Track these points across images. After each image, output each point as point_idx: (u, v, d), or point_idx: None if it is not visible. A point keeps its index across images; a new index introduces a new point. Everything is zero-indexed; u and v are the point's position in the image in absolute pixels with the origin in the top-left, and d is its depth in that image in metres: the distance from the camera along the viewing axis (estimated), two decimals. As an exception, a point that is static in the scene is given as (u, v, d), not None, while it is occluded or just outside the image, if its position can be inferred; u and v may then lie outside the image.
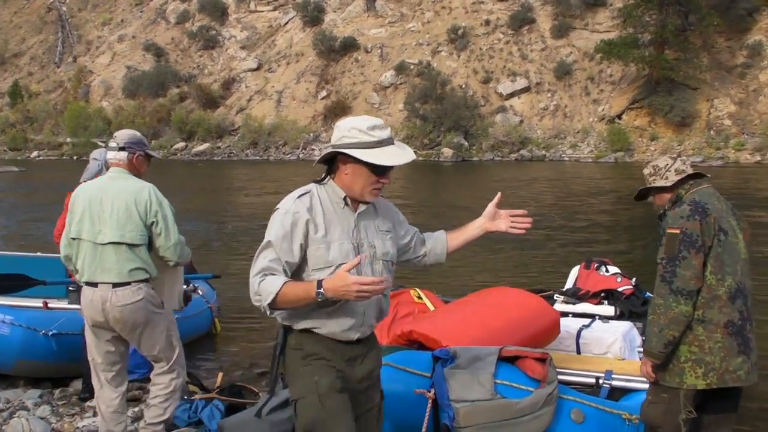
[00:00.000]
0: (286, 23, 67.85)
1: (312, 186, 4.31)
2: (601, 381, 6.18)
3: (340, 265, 4.08)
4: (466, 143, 51.70)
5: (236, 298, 12.02)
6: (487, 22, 59.92)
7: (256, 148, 57.98)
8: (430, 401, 5.44)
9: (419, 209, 25.61)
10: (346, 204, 4.27)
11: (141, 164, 6.13)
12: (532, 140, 52.40)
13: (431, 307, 7.07)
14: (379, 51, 60.66)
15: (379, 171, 4.18)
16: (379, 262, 4.35)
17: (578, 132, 52.86)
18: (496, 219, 4.67)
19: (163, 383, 6.20)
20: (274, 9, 69.49)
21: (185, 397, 6.86)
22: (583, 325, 7.22)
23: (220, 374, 8.15)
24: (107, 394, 6.10)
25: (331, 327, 4.24)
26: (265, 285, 4.03)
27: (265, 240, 4.17)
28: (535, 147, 51.67)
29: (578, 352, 7.06)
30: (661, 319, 4.93)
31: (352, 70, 60.59)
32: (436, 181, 38.86)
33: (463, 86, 55.74)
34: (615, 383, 6.16)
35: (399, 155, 4.20)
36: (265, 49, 66.56)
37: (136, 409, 7.29)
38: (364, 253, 4.21)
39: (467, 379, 5.40)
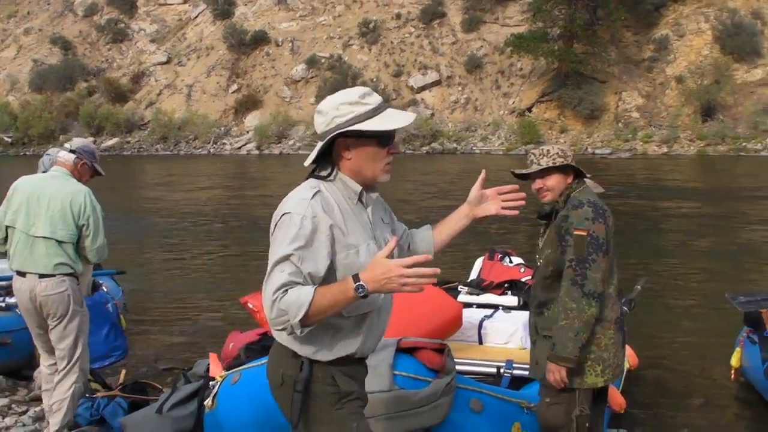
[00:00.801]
0: (196, 16, 67.14)
1: (317, 183, 3.69)
2: (502, 370, 6.25)
3: None
4: (378, 137, 51.50)
5: (141, 293, 11.88)
6: (398, 16, 59.95)
7: (167, 142, 57.23)
8: None
9: None
10: (360, 200, 3.75)
11: (84, 172, 6.45)
12: (443, 133, 52.53)
13: None
14: (290, 44, 60.33)
15: (386, 141, 3.69)
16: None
17: (489, 125, 53.15)
18: (483, 202, 4.14)
19: (64, 388, 6.32)
20: (184, 2, 68.72)
21: (87, 395, 6.75)
22: (486, 316, 7.24)
23: (123, 371, 8.08)
24: (45, 361, 6.54)
25: (368, 343, 3.77)
26: (291, 299, 3.37)
27: (278, 254, 3.48)
28: (446, 140, 51.83)
29: (480, 342, 7.09)
30: (576, 323, 4.93)
31: (263, 64, 60.17)
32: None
33: (375, 80, 55.65)
34: (516, 372, 6.23)
35: (401, 115, 3.73)
36: (174, 43, 65.77)
37: (38, 408, 7.24)
38: (396, 236, 3.80)
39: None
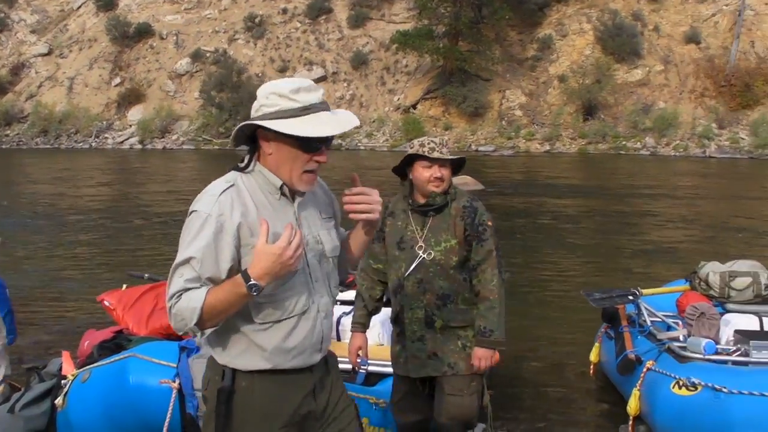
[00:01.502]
0: (79, 7, 65.58)
1: (235, 176, 3.45)
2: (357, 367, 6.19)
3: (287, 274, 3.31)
4: (268, 132, 51.03)
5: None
6: (285, 11, 59.52)
7: (47, 136, 55.68)
8: (174, 391, 5.37)
9: None
10: (283, 194, 3.45)
11: None
12: (328, 129, 52.15)
13: None
14: (175, 38, 59.42)
15: (309, 146, 3.35)
16: (328, 260, 3.62)
17: (374, 121, 53.03)
18: None
19: None
20: (66, -8, 67.34)
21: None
22: (344, 312, 7.22)
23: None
24: None
25: (293, 354, 3.44)
26: (183, 305, 3.19)
27: (180, 255, 3.27)
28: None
29: (338, 338, 7.06)
30: (502, 308, 5.19)
31: (146, 57, 59.14)
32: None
33: (260, 75, 55.10)
34: (371, 368, 6.26)
35: (330, 122, 3.33)
36: (56, 34, 64.17)
37: None
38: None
39: None
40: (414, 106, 53.53)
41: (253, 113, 3.42)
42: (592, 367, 8.14)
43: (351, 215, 3.56)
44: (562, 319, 11.29)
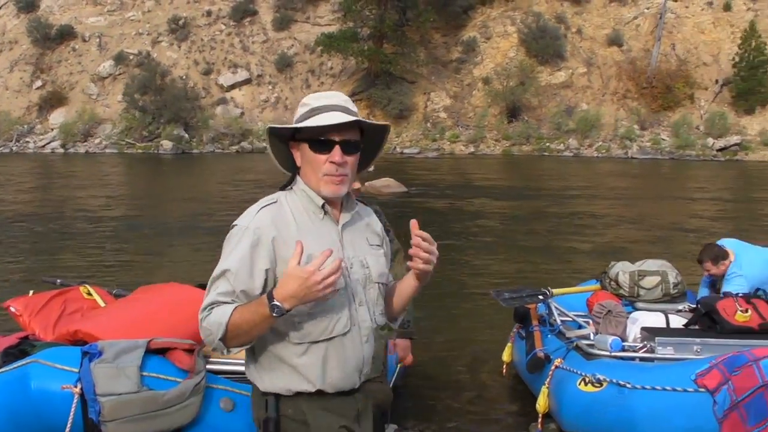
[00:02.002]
0: (-1, 9, 64.69)
1: (279, 195, 3.39)
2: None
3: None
4: (187, 135, 50.65)
5: None
6: (209, 13, 59.10)
7: (-34, 140, 54.65)
8: (76, 396, 5.26)
9: (139, 203, 24.97)
10: (326, 213, 3.36)
11: None
12: (253, 132, 51.93)
13: (102, 304, 6.85)
14: (98, 40, 58.60)
15: (322, 147, 3.26)
16: (374, 285, 3.48)
17: (299, 124, 52.81)
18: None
19: None
20: (-15, -6, 66.17)
21: None
22: None
23: None
24: None
25: (333, 376, 3.33)
26: (212, 318, 3.13)
27: (217, 269, 3.24)
28: (256, 139, 51.23)
29: None
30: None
31: (69, 60, 58.20)
32: (156, 174, 37.88)
33: (184, 77, 54.75)
34: None
35: (328, 117, 3.22)
36: (-25, 37, 63.18)
37: None
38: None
39: (113, 372, 5.28)
40: (339, 109, 53.36)
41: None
42: (504, 366, 8.20)
43: (413, 263, 3.38)
44: (478, 319, 11.35)
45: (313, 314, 3.24)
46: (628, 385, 5.86)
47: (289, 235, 3.21)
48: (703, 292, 8.73)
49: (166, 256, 16.27)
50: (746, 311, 6.94)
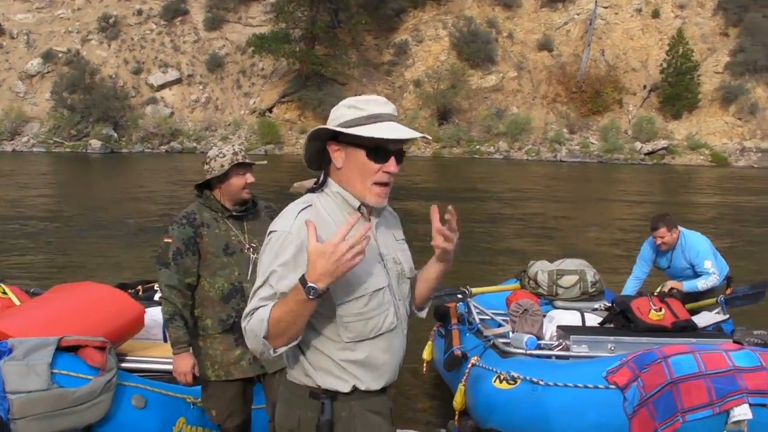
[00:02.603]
0: (-76, 5, 63.42)
1: (311, 197, 3.31)
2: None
3: (375, 292, 3.24)
4: (116, 135, 50.03)
5: None
6: (140, 12, 58.48)
7: None
8: None
9: (64, 203, 24.64)
10: (361, 213, 3.30)
11: None
12: (183, 132, 51.60)
13: (17, 302, 6.81)
14: (26, 37, 57.64)
15: (378, 156, 3.19)
16: (407, 281, 3.49)
17: (229, 124, 52.68)
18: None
19: None
20: None
21: None
22: None
23: None
24: None
25: (382, 373, 3.32)
26: (254, 321, 3.08)
27: (259, 279, 3.17)
28: (186, 139, 50.92)
29: (165, 340, 6.97)
30: None
31: (-5, 57, 57.42)
32: (84, 173, 37.51)
33: (114, 76, 54.11)
34: (162, 366, 6.34)
35: (398, 130, 3.18)
36: None
37: None
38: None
39: (23, 370, 5.24)
40: (270, 110, 53.43)
41: (329, 125, 3.28)
42: (425, 364, 8.19)
43: (436, 242, 3.42)
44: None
45: (363, 313, 3.24)
46: (541, 383, 5.93)
47: (329, 238, 3.08)
48: (642, 266, 9.09)
49: (90, 255, 16.11)
50: (660, 310, 7.05)
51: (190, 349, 5.28)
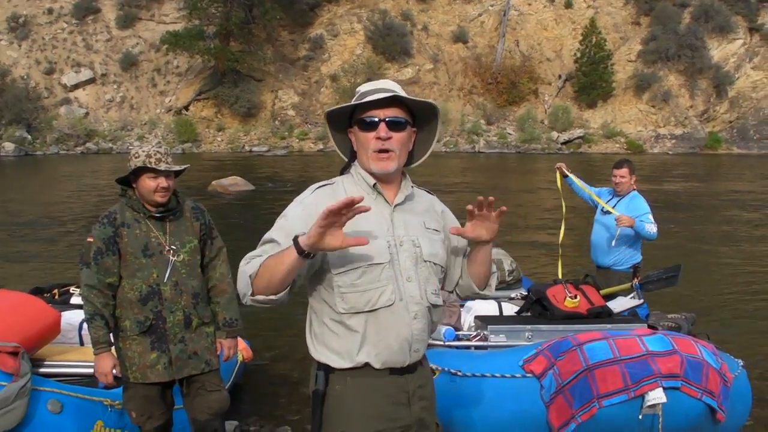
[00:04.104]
0: None
1: (337, 178, 3.63)
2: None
3: (372, 266, 3.40)
4: (29, 137, 49.25)
5: None
6: (50, 11, 57.51)
7: None
8: None
9: None
10: (378, 193, 3.54)
11: None
12: (99, 133, 50.94)
13: None
14: (-67, 39, 56.56)
15: (367, 126, 3.47)
16: (425, 264, 3.55)
17: (145, 124, 52.14)
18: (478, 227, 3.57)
19: None
20: None
21: None
22: (84, 319, 6.84)
23: None
24: None
25: (379, 350, 3.44)
26: (250, 264, 3.28)
27: (268, 234, 3.40)
28: (101, 139, 50.26)
29: (81, 343, 7.01)
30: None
31: None
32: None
33: (25, 77, 53.21)
34: (83, 370, 6.36)
35: (372, 98, 3.44)
36: None
37: None
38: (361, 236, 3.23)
39: None
40: (186, 108, 52.96)
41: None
42: (346, 360, 8.19)
43: (459, 231, 3.57)
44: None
45: (357, 284, 3.41)
46: (459, 373, 5.93)
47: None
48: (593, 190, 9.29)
49: (4, 260, 15.78)
50: (575, 297, 7.11)
51: (111, 349, 5.23)
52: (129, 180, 5.32)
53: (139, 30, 57.09)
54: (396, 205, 3.57)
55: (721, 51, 57.45)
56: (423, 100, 3.58)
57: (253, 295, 3.26)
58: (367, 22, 56.65)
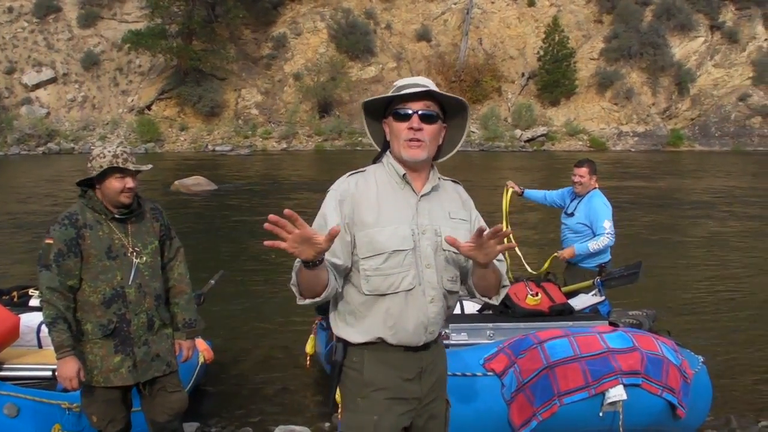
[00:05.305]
0: None
1: (369, 167, 3.87)
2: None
3: (395, 252, 3.64)
4: (-10, 137, 48.72)
5: None
6: (10, 10, 56.79)
7: None
8: None
9: None
10: (406, 182, 3.77)
11: None
12: (60, 133, 50.40)
13: None
14: None
15: (402, 117, 3.70)
16: (444, 253, 3.77)
17: (108, 123, 51.68)
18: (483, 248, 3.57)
19: None
20: None
21: None
22: (42, 322, 6.88)
23: None
24: None
25: (396, 329, 3.70)
26: (293, 274, 3.54)
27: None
28: (63, 140, 49.75)
29: (39, 346, 6.96)
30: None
31: None
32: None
33: (-15, 77, 52.60)
34: (41, 373, 6.31)
35: (414, 88, 3.69)
36: None
37: None
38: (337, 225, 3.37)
39: None
40: (149, 107, 52.58)
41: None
42: (308, 358, 8.07)
43: (465, 251, 3.56)
44: (283, 312, 11.32)
45: (382, 269, 3.66)
46: (420, 372, 5.88)
47: (368, 198, 3.69)
48: (554, 195, 9.54)
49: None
50: (536, 295, 7.11)
51: (74, 352, 5.11)
52: (91, 181, 5.22)
53: (100, 29, 56.60)
54: (422, 195, 3.78)
55: (682, 49, 57.87)
56: (454, 96, 3.80)
57: (303, 300, 3.56)
58: (330, 20, 56.54)
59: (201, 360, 7.53)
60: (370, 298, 3.68)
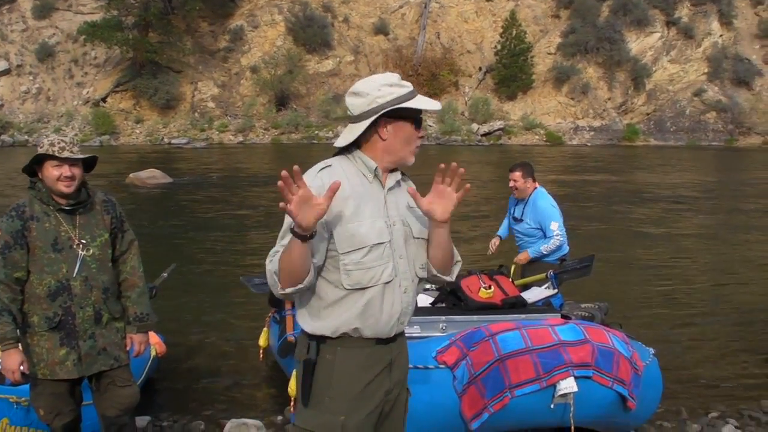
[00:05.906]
0: None
1: (332, 160, 3.79)
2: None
3: (374, 246, 3.63)
4: (-57, 130, 48.17)
5: None
6: (-36, 1, 56.32)
7: None
8: None
9: None
10: (376, 177, 3.76)
11: None
12: (14, 125, 50.04)
13: None
14: None
15: (419, 124, 3.76)
16: (415, 242, 3.85)
17: (62, 116, 51.33)
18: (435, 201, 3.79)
19: None
20: None
21: None
22: None
23: None
24: None
25: (370, 322, 3.68)
26: (273, 262, 3.54)
27: (285, 224, 3.58)
28: (17, 132, 49.34)
29: None
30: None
31: None
32: None
33: (-63, 70, 51.95)
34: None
35: (431, 101, 3.78)
36: None
37: None
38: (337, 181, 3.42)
39: None
40: (104, 100, 52.32)
41: (366, 107, 3.68)
42: (261, 351, 8.14)
43: (424, 206, 3.76)
44: (235, 305, 11.31)
45: (363, 262, 3.63)
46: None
47: (342, 192, 3.54)
48: (508, 217, 9.38)
49: None
50: (489, 288, 7.11)
51: (19, 345, 5.07)
52: (35, 171, 5.17)
53: (56, 20, 56.11)
54: (389, 189, 3.79)
55: (638, 44, 58.27)
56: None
57: (282, 289, 3.51)
58: (287, 13, 56.42)
59: (153, 353, 7.48)
60: (349, 292, 3.66)
